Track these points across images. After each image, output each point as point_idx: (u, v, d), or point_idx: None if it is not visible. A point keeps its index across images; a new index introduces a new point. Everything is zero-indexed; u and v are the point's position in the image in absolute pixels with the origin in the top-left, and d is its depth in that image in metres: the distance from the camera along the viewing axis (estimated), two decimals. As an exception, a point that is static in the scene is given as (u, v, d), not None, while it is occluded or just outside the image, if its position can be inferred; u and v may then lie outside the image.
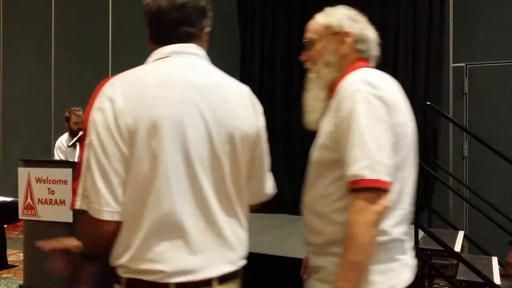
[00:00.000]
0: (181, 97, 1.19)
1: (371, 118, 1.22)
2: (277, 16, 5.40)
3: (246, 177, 1.30)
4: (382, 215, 1.20)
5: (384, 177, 1.19)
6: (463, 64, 4.85)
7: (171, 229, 1.17)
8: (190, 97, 1.20)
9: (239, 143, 1.26)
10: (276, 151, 5.55)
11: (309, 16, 5.53)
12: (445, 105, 4.80)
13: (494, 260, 3.66)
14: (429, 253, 3.36)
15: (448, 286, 3.65)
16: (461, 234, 3.98)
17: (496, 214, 3.90)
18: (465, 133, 4.69)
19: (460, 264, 3.29)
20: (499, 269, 3.50)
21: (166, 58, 1.28)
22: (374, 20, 5.59)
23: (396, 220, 1.31)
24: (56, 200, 3.35)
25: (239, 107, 1.29)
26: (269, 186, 1.41)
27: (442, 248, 3.23)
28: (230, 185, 1.25)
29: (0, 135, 7.70)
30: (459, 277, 3.16)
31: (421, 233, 3.37)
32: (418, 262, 3.45)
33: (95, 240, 1.21)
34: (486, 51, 4.76)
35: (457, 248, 3.44)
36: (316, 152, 1.37)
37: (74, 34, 6.81)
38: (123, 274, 1.20)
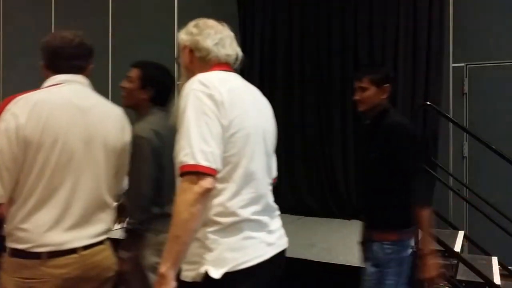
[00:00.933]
0: (69, 116, 1.68)
1: (198, 112, 1.41)
2: (277, 16, 5.40)
3: (113, 176, 1.83)
4: (202, 195, 1.36)
5: (203, 162, 1.36)
6: (463, 64, 4.85)
7: (48, 211, 1.63)
8: (75, 117, 1.70)
9: (110, 152, 1.80)
10: (276, 150, 5.54)
11: (310, 16, 5.56)
12: (445, 105, 4.80)
13: (494, 260, 3.67)
14: (429, 253, 3.36)
15: (448, 286, 3.65)
16: (461, 234, 3.98)
17: (496, 214, 3.90)
18: (465, 133, 4.68)
19: (460, 264, 3.29)
20: (499, 269, 3.50)
21: (59, 85, 1.75)
22: (374, 20, 5.60)
23: (245, 202, 1.48)
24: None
25: (111, 125, 1.82)
26: (125, 183, 2.01)
27: (442, 248, 3.23)
28: (103, 181, 1.77)
29: None
30: (459, 277, 3.16)
31: (421, 233, 3.37)
32: (418, 262, 3.46)
33: None
34: (486, 51, 4.76)
35: (457, 248, 3.44)
36: (175, 147, 1.48)
37: (74, 34, 6.81)
38: (7, 244, 1.64)
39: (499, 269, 3.50)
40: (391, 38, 4.85)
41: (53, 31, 7.07)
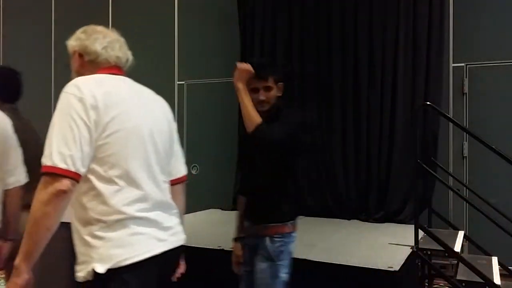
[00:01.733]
0: None
1: (64, 115, 1.47)
2: (277, 16, 5.40)
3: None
4: (55, 196, 1.42)
5: (60, 164, 1.42)
6: (463, 64, 4.85)
7: None
8: None
9: None
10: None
11: (310, 16, 5.54)
12: (445, 105, 4.80)
13: (494, 260, 3.66)
14: (429, 253, 3.36)
15: (448, 286, 3.65)
16: (461, 234, 3.98)
17: (496, 214, 3.90)
18: (465, 133, 4.68)
19: (460, 264, 3.29)
20: (499, 269, 3.50)
21: None
22: (374, 20, 5.58)
23: (129, 200, 1.53)
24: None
25: None
26: (22, 175, 2.32)
27: (442, 248, 3.22)
28: None
29: None
30: (459, 277, 3.16)
31: (421, 233, 3.37)
32: (418, 262, 3.46)
33: None
34: (486, 51, 4.76)
35: (457, 248, 3.44)
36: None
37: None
38: None
39: (499, 269, 3.49)
40: (391, 38, 4.85)
41: (53, 31, 7.07)
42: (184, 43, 6.24)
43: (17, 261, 1.45)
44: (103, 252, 1.47)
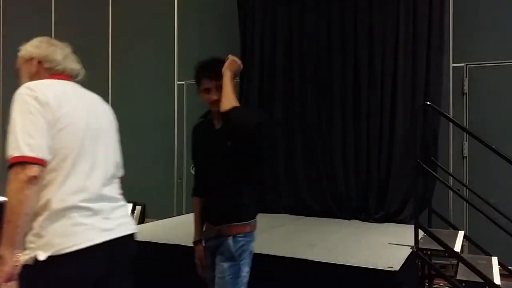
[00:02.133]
0: None
1: (23, 112, 1.61)
2: (277, 15, 5.40)
3: None
4: (27, 182, 1.53)
5: (28, 153, 1.55)
6: (463, 64, 4.85)
7: None
8: None
9: None
10: (275, 150, 5.54)
11: (310, 16, 5.54)
12: (445, 105, 4.80)
13: (494, 260, 3.67)
14: (429, 253, 3.37)
15: (448, 286, 3.65)
16: (461, 234, 3.98)
17: (496, 214, 3.90)
18: (465, 133, 4.68)
19: (460, 264, 3.29)
20: (499, 269, 3.50)
21: None
22: (374, 20, 5.57)
23: (73, 190, 1.66)
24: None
25: None
26: None
27: (442, 248, 3.23)
28: None
29: (0, 135, 7.69)
30: (459, 277, 3.16)
31: (421, 233, 3.37)
32: (418, 262, 3.46)
33: None
34: (486, 51, 4.76)
35: (457, 248, 3.44)
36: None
37: (74, 35, 6.82)
38: None
39: (499, 269, 3.50)
40: (391, 38, 4.85)
41: (53, 31, 7.07)
42: (184, 43, 6.24)
43: (2, 250, 1.54)
44: (46, 241, 1.60)
